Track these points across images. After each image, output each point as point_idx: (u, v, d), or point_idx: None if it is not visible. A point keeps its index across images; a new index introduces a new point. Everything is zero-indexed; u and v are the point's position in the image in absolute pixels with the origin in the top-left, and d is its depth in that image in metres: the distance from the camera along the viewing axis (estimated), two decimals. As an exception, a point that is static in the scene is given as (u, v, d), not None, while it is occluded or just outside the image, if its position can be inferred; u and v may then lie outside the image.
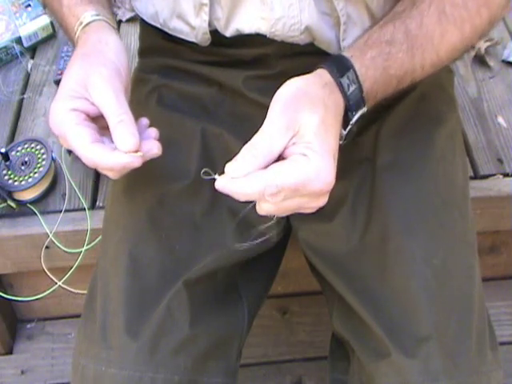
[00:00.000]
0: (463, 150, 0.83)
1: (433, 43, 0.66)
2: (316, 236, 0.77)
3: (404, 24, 0.65)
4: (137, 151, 0.61)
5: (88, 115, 0.63)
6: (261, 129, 0.58)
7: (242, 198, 0.57)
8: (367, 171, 0.76)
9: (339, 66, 0.63)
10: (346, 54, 0.64)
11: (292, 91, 0.59)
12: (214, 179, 0.58)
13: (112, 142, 0.62)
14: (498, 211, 1.07)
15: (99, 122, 0.63)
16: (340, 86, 0.61)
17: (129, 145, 0.60)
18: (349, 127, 0.63)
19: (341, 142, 0.64)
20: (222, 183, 0.57)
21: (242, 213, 0.65)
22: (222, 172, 0.57)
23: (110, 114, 0.61)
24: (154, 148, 0.63)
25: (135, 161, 0.61)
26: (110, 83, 0.62)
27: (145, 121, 0.66)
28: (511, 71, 1.20)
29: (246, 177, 0.56)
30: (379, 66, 0.64)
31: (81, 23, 0.68)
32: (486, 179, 1.06)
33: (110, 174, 0.65)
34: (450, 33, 0.66)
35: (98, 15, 0.69)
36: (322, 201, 0.59)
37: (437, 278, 0.68)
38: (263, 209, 0.59)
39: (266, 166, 0.56)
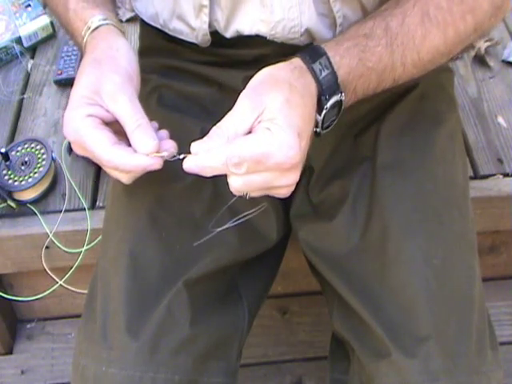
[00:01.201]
0: (463, 150, 0.83)
1: (414, 43, 0.66)
2: (316, 236, 0.77)
3: (385, 21, 0.66)
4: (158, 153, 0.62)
5: (102, 121, 0.63)
6: (228, 113, 0.59)
7: (209, 173, 0.59)
8: (367, 171, 0.76)
9: (312, 53, 0.63)
10: (321, 44, 0.65)
11: (259, 78, 0.61)
12: (179, 159, 0.60)
13: (127, 145, 0.62)
14: (498, 211, 1.07)
15: (112, 128, 0.64)
16: (312, 71, 0.62)
17: (149, 147, 0.61)
18: (324, 112, 0.63)
19: (318, 130, 0.65)
20: (189, 161, 0.59)
21: (230, 203, 0.66)
22: (185, 153, 0.60)
23: (127, 120, 0.62)
24: (171, 147, 0.64)
25: (156, 162, 0.62)
26: (123, 90, 0.63)
27: (155, 124, 0.67)
28: (511, 71, 1.20)
29: (209, 151, 0.58)
30: (355, 56, 0.64)
31: (88, 28, 0.69)
32: (486, 179, 1.06)
33: (125, 178, 0.65)
34: (432, 35, 0.66)
35: (105, 19, 0.69)
36: (291, 178, 0.60)
37: (437, 278, 0.68)
38: (232, 185, 0.60)
39: None
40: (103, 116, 0.63)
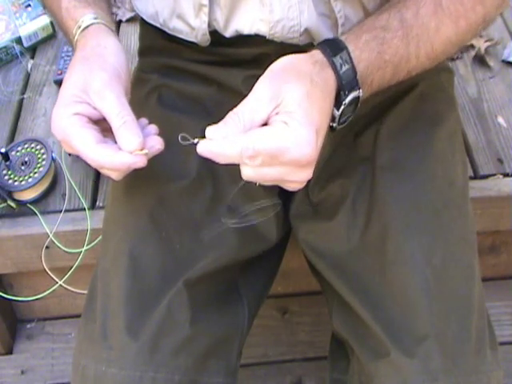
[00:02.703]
0: (463, 150, 0.83)
1: (428, 34, 0.66)
2: (316, 235, 0.77)
3: (400, 13, 0.65)
4: (141, 150, 0.61)
5: (90, 119, 0.63)
6: (245, 98, 0.58)
7: (223, 161, 0.58)
8: (367, 171, 0.76)
9: (332, 46, 0.63)
10: (340, 37, 0.65)
11: (280, 65, 0.60)
12: (193, 144, 0.59)
13: (115, 142, 0.62)
14: (498, 211, 1.07)
15: (101, 125, 0.64)
16: (332, 64, 0.61)
17: (133, 144, 0.61)
18: (342, 107, 0.63)
19: (335, 125, 0.64)
20: (203, 146, 0.58)
21: (232, 195, 0.67)
22: (200, 137, 0.59)
23: (112, 117, 0.62)
24: (156, 144, 0.64)
25: (140, 160, 0.61)
26: (110, 87, 0.63)
27: (144, 121, 0.67)
28: (511, 71, 1.20)
29: (224, 139, 0.57)
30: (373, 49, 0.64)
31: (79, 27, 0.69)
32: (485, 179, 1.06)
33: (114, 175, 0.65)
34: (445, 26, 0.66)
35: (96, 18, 0.69)
36: (305, 175, 0.59)
37: (436, 278, 0.68)
38: (244, 174, 0.59)
39: None
40: (90, 114, 0.63)
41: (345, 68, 0.62)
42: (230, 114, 0.58)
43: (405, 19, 0.65)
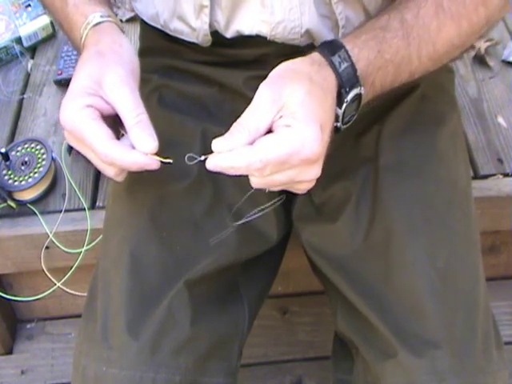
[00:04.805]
0: (465, 150, 0.83)
1: (429, 35, 0.66)
2: (319, 237, 0.77)
3: (400, 14, 0.66)
4: (155, 154, 0.61)
5: (101, 114, 0.62)
6: (248, 107, 0.58)
7: (233, 173, 0.58)
8: (370, 172, 0.76)
9: (330, 47, 0.63)
10: (338, 38, 0.65)
11: (278, 71, 0.61)
12: (201, 161, 0.59)
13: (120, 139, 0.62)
14: (498, 211, 1.07)
15: (107, 122, 0.63)
16: (331, 63, 0.62)
17: (150, 147, 0.60)
18: (344, 105, 0.63)
19: (339, 124, 0.64)
20: (211, 162, 0.58)
21: (236, 206, 0.68)
22: (206, 154, 0.59)
23: (127, 113, 0.61)
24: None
25: (154, 163, 0.61)
26: (126, 83, 0.62)
27: None
28: (511, 71, 1.20)
29: (231, 151, 0.57)
30: (373, 48, 0.64)
31: (88, 23, 0.68)
32: (485, 179, 1.06)
33: (112, 173, 0.64)
34: (447, 27, 0.66)
35: (109, 16, 0.69)
36: (313, 172, 0.59)
37: (441, 279, 0.68)
38: (253, 182, 0.60)
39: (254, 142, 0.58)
40: (102, 108, 0.62)
41: (344, 66, 0.62)
42: (235, 124, 0.58)
43: (405, 20, 0.65)
